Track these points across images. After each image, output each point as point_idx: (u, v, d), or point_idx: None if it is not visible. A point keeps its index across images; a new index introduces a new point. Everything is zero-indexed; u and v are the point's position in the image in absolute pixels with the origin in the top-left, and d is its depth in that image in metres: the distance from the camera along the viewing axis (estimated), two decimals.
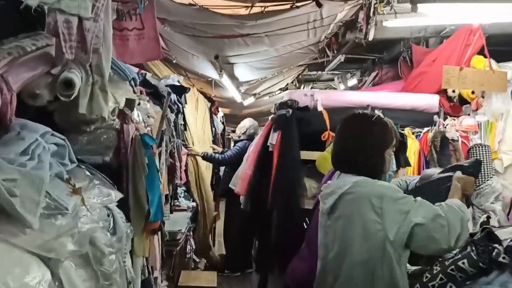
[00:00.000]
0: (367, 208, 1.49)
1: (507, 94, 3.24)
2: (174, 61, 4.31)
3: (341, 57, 4.68)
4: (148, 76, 3.31)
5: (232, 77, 4.88)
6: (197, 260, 4.53)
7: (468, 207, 1.61)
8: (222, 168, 5.48)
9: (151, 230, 1.78)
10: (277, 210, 3.15)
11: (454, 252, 1.57)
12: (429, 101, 3.42)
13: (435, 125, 3.28)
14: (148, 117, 2.28)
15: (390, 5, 3.02)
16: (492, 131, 3.32)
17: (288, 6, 3.06)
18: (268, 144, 3.25)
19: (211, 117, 5.82)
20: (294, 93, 3.41)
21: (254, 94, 6.38)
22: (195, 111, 4.98)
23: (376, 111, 1.70)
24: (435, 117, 3.32)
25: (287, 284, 2.37)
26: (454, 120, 3.41)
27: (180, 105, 3.65)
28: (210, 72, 4.63)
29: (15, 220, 0.91)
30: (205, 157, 4.68)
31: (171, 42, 3.92)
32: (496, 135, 3.30)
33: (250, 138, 4.86)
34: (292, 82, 6.67)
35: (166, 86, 3.24)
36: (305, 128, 3.14)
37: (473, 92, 3.45)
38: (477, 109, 3.42)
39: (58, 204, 1.05)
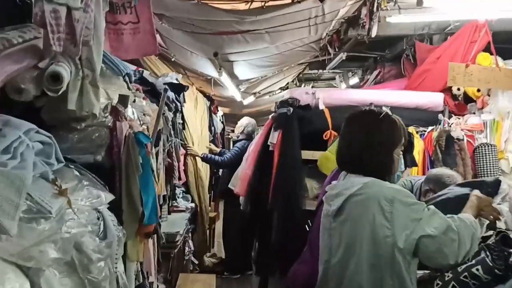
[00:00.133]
0: (376, 211, 1.41)
1: None
2: (172, 59, 4.23)
3: (342, 55, 4.60)
4: (146, 74, 3.24)
5: (232, 75, 4.81)
6: (196, 262, 4.44)
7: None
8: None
9: (146, 233, 1.69)
10: (277, 211, 3.09)
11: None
12: (433, 99, 3.36)
13: (440, 124, 3.22)
14: (144, 115, 2.19)
15: (394, 0, 2.94)
16: (498, 130, 3.26)
17: (289, 1, 2.98)
18: (269, 143, 3.19)
19: (210, 116, 5.74)
20: (295, 91, 3.34)
21: (254, 93, 6.30)
22: (194, 110, 4.90)
23: (384, 108, 1.60)
24: (440, 115, 3.26)
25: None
26: (459, 118, 3.35)
27: (179, 104, 3.57)
28: (209, 70, 4.54)
29: None
30: (204, 159, 4.60)
31: (169, 39, 3.84)
32: (502, 134, 3.24)
33: (249, 137, 4.80)
34: (293, 81, 6.60)
35: (164, 84, 3.16)
36: (306, 127, 3.08)
37: (478, 90, 3.37)
38: (482, 108, 3.36)
39: (40, 207, 0.96)
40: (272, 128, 3.19)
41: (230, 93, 5.70)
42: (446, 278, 1.44)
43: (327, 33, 4.09)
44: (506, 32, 3.55)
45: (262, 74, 5.31)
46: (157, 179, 2.24)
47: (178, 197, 4.38)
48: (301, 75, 6.54)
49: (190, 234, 4.07)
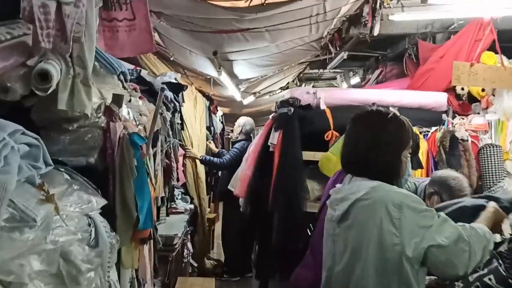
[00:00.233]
0: (384, 217, 1.34)
1: None
2: (171, 58, 4.17)
3: (343, 54, 4.53)
4: (144, 73, 3.17)
5: (231, 74, 4.75)
6: (195, 264, 4.38)
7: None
8: None
9: (141, 239, 1.62)
10: (278, 213, 3.02)
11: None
12: (437, 99, 3.29)
13: (443, 124, 3.15)
14: (140, 115, 2.12)
15: None
16: (503, 131, 3.20)
17: None
18: (269, 144, 3.13)
19: (210, 116, 5.67)
20: (296, 91, 3.28)
21: (254, 93, 6.24)
22: (193, 110, 4.83)
23: (391, 108, 1.53)
24: (444, 116, 3.19)
25: None
26: (463, 119, 3.29)
27: (177, 103, 3.50)
28: (209, 69, 4.48)
29: None
30: (203, 161, 4.55)
31: (167, 38, 3.78)
32: (508, 135, 3.17)
33: (248, 137, 4.78)
34: (293, 81, 6.54)
35: (163, 83, 3.10)
36: (307, 127, 3.02)
37: (483, 90, 3.31)
38: (487, 108, 3.29)
39: (24, 214, 0.90)
40: (273, 129, 3.13)
41: (230, 92, 5.64)
42: None
43: (328, 32, 4.02)
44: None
45: (262, 73, 5.26)
46: (153, 181, 2.17)
47: (177, 199, 4.31)
48: (301, 75, 6.48)
49: (189, 236, 4.00)
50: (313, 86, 6.98)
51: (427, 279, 1.52)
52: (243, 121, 4.87)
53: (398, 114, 1.51)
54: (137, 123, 2.02)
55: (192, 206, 4.39)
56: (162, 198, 3.17)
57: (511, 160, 3.15)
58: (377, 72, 5.02)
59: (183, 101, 3.87)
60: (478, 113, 3.35)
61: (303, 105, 3.11)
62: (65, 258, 0.98)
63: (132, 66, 3.24)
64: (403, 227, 1.31)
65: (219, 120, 6.82)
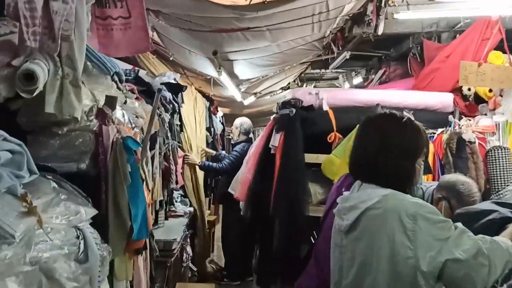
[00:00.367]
0: (396, 229, 1.25)
1: None
2: (171, 58, 4.09)
3: (346, 54, 4.44)
4: (142, 73, 3.09)
5: (232, 74, 4.66)
6: (194, 268, 4.29)
7: None
8: None
9: (135, 249, 1.54)
10: (279, 217, 2.95)
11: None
12: (443, 99, 3.21)
13: (450, 126, 3.06)
14: (137, 117, 2.03)
15: None
16: (511, 132, 3.10)
17: None
18: (270, 146, 3.06)
19: (210, 117, 5.60)
20: (298, 92, 3.19)
21: (255, 93, 6.17)
22: (193, 110, 4.75)
23: (405, 113, 1.44)
24: (450, 117, 3.11)
25: None
26: (470, 120, 3.20)
27: (176, 104, 3.42)
28: (209, 69, 4.41)
29: None
30: (203, 167, 4.47)
31: (166, 38, 3.70)
32: None
33: (248, 137, 4.72)
34: (294, 81, 6.46)
35: (162, 84, 3.02)
36: (309, 129, 2.94)
37: (490, 90, 3.22)
38: (494, 109, 3.20)
39: (1, 230, 0.81)
40: (274, 130, 3.06)
41: (230, 93, 5.56)
42: None
43: (331, 31, 3.93)
44: None
45: (263, 73, 5.18)
46: (150, 187, 2.08)
47: (176, 201, 4.23)
48: (303, 75, 6.40)
49: (188, 240, 3.92)
50: (314, 86, 6.90)
51: None
52: (239, 122, 4.80)
53: (413, 118, 1.41)
54: (133, 125, 1.94)
55: (191, 209, 4.31)
56: (160, 201, 3.10)
57: None
58: (380, 72, 4.94)
59: (183, 101, 3.79)
60: (485, 114, 3.26)
61: (305, 106, 3.03)
62: (48, 276, 0.90)
63: (130, 66, 3.16)
64: (418, 239, 1.22)
65: (220, 121, 6.74)
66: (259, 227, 3.36)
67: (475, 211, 1.69)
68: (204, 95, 5.36)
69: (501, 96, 3.18)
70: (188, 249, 3.83)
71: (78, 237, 1.10)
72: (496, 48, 3.25)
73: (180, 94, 3.60)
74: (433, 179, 2.77)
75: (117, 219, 1.37)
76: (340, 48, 4.32)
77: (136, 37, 1.85)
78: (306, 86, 6.93)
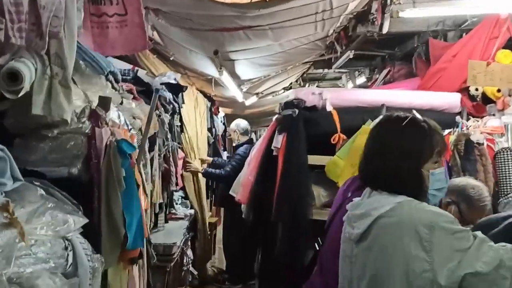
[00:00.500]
0: (412, 240, 1.16)
1: None
2: (171, 58, 4.03)
3: (350, 53, 4.36)
4: (142, 73, 3.02)
5: (233, 74, 4.60)
6: (195, 272, 4.22)
7: None
8: None
9: (130, 259, 1.46)
10: (282, 220, 2.86)
11: None
12: (450, 100, 3.11)
13: (457, 127, 2.97)
14: (134, 118, 1.96)
15: None
16: None
17: None
18: (272, 147, 2.98)
19: (211, 117, 5.53)
20: (300, 92, 3.11)
21: (257, 93, 6.10)
22: (194, 111, 4.68)
23: (415, 112, 1.36)
24: (458, 118, 3.01)
25: None
26: (478, 121, 3.11)
27: (176, 105, 3.36)
28: (210, 69, 4.35)
29: None
30: (206, 174, 4.38)
31: (167, 37, 3.63)
32: None
33: (247, 134, 4.65)
34: (297, 81, 6.39)
35: (161, 84, 2.94)
36: (312, 130, 2.87)
37: (498, 90, 3.14)
38: (503, 109, 3.11)
39: None
40: (276, 131, 2.99)
41: (232, 93, 5.50)
42: None
43: (334, 30, 3.86)
44: None
45: (264, 73, 5.12)
46: (147, 191, 2.00)
47: (177, 203, 4.16)
48: (305, 75, 6.32)
49: (189, 243, 3.85)
50: (317, 86, 6.82)
51: None
52: (234, 124, 4.73)
53: (421, 119, 1.33)
54: (130, 127, 1.86)
55: (192, 211, 4.24)
56: (160, 204, 3.04)
57: None
58: (384, 71, 4.85)
59: (183, 102, 3.72)
60: (493, 115, 3.17)
61: (308, 106, 2.95)
62: None
63: (130, 66, 3.10)
64: (435, 251, 1.14)
65: (221, 121, 6.67)
66: (261, 230, 3.29)
67: (496, 219, 1.61)
68: (205, 95, 5.29)
69: (510, 96, 3.10)
70: (189, 252, 3.75)
71: (66, 248, 1.02)
72: (505, 47, 3.16)
73: (180, 94, 3.54)
74: None
75: (110, 227, 1.30)
76: (344, 47, 4.24)
77: (133, 35, 1.78)
78: (308, 86, 6.85)
